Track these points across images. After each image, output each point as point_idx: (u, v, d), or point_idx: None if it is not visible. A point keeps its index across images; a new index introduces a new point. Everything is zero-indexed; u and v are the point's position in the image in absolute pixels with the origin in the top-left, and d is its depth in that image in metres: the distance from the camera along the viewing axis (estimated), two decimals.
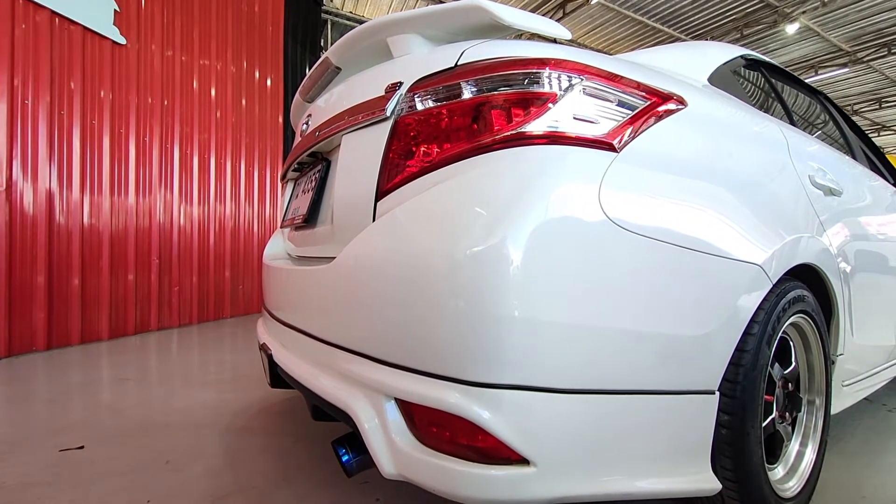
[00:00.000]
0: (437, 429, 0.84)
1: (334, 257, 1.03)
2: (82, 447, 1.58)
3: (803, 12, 8.76)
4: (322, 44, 7.23)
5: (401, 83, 1.02)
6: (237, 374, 2.49)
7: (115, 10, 3.46)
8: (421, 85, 0.99)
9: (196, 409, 1.97)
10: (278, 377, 1.31)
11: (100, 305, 3.37)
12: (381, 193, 1.00)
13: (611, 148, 0.89)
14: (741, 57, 1.57)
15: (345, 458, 0.97)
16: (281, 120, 5.06)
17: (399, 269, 0.88)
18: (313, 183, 1.41)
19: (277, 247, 1.72)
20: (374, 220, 0.99)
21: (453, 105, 0.93)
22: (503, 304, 0.77)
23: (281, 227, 1.77)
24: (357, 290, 0.96)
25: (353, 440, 0.98)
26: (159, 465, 1.46)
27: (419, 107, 0.97)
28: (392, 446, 0.87)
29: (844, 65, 10.74)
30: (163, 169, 3.86)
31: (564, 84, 0.90)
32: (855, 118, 14.69)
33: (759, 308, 1.02)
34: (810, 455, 1.26)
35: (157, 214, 3.81)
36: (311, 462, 1.48)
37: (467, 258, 0.79)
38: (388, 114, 1.01)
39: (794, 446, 1.26)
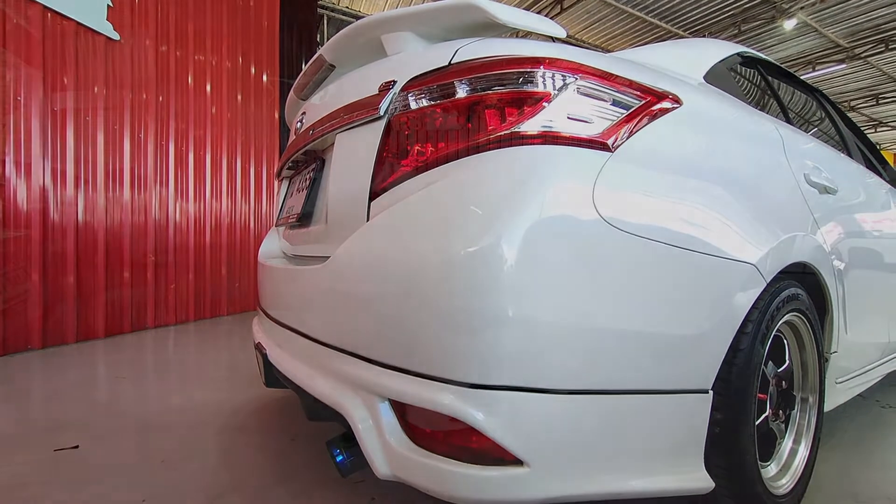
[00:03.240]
0: (430, 430, 0.84)
1: (328, 256, 1.03)
2: (77, 446, 1.57)
3: (801, 8, 8.75)
4: (318, 39, 7.18)
5: (394, 82, 1.01)
6: (233, 373, 2.49)
7: (108, 6, 3.42)
8: (415, 84, 0.98)
9: (192, 407, 1.96)
10: (273, 377, 1.31)
11: (95, 303, 3.36)
12: (374, 193, 0.99)
13: (605, 147, 0.89)
14: (737, 54, 1.57)
15: (339, 458, 0.97)
16: (277, 116, 5.03)
17: (393, 269, 0.87)
18: (307, 182, 1.40)
19: (273, 245, 1.71)
20: (367, 219, 0.99)
21: (447, 104, 0.92)
22: (496, 304, 0.77)
23: (276, 226, 1.76)
24: (350, 290, 0.96)
25: (347, 440, 0.98)
26: (155, 464, 1.46)
27: (413, 106, 0.97)
28: (386, 447, 0.87)
29: (842, 61, 10.75)
30: (158, 165, 3.83)
31: (559, 83, 0.89)
32: (851, 114, 14.71)
33: (753, 307, 1.02)
34: (803, 452, 1.27)
35: (153, 211, 3.79)
36: (307, 461, 1.48)
37: (461, 258, 0.79)
38: (381, 113, 1.01)
39: (787, 444, 1.27)
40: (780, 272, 1.12)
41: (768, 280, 1.05)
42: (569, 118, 0.88)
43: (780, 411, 1.24)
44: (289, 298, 1.24)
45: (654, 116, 0.98)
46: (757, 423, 1.07)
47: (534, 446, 0.79)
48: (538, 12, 4.94)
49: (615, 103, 0.93)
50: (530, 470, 0.79)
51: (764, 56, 1.75)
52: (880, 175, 2.13)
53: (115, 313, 3.50)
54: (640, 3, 8.78)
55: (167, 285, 3.92)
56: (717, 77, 1.39)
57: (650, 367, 0.88)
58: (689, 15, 9.19)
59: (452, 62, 0.95)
